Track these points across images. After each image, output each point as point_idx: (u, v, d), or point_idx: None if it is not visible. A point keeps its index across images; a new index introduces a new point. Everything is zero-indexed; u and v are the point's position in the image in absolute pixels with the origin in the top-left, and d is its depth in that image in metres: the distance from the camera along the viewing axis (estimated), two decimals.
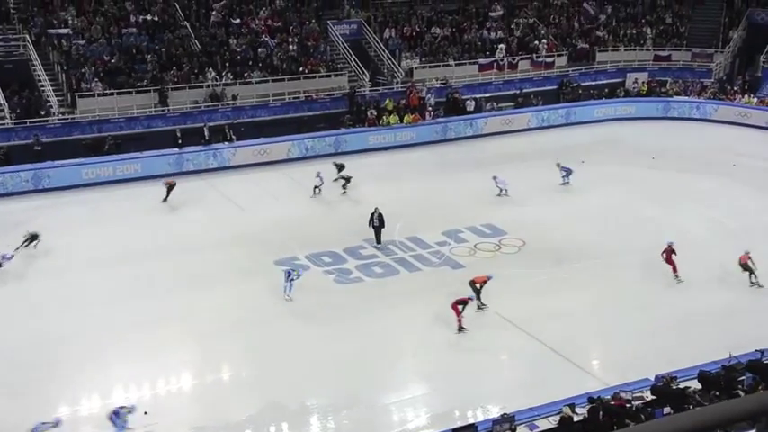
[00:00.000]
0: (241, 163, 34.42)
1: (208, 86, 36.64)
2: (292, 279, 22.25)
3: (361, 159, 35.78)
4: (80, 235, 26.81)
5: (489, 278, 21.94)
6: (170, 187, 29.51)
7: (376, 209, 25.86)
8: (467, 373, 19.02)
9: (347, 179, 30.61)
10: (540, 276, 24.03)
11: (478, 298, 21.62)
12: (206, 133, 34.47)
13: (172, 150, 33.65)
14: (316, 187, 30.10)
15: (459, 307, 20.78)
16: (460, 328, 20.69)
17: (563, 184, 31.62)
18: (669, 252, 23.54)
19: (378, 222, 25.82)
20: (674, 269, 23.50)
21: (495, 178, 30.60)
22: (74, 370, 19.01)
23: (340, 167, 31.11)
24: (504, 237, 26.95)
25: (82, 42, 36.12)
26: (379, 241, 25.96)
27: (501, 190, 30.36)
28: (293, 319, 21.35)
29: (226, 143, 34.77)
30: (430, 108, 39.30)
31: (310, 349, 19.90)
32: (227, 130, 34.95)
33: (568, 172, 31.65)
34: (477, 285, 21.81)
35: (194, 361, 19.86)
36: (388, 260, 25.14)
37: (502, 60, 42.86)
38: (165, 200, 29.33)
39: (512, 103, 42.03)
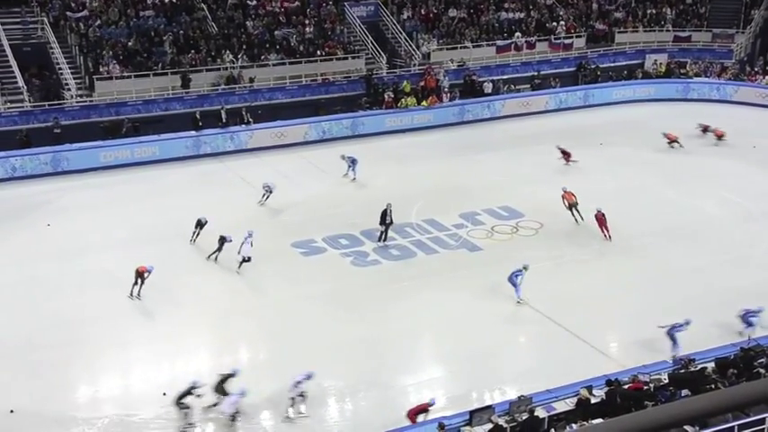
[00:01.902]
0: (258, 146, 34.41)
1: (225, 69, 36.67)
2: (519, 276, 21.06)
3: (379, 142, 35.73)
4: (98, 217, 26.96)
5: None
6: (140, 277, 21.31)
7: (389, 205, 24.95)
8: (484, 354, 19.02)
9: (198, 228, 24.66)
10: (558, 258, 23.94)
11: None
12: (223, 116, 34.50)
13: (189, 133, 33.69)
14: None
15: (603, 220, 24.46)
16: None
17: (349, 177, 29.83)
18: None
19: (390, 219, 24.93)
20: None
21: (264, 185, 27.42)
22: (93, 351, 19.17)
23: (200, 224, 24.70)
24: (522, 219, 26.85)
25: (98, 24, 36.22)
26: (385, 239, 24.89)
27: (265, 193, 27.30)
28: (311, 301, 21.40)
29: (243, 126, 34.80)
30: (446, 90, 39.12)
31: (327, 331, 19.96)
32: (244, 113, 34.97)
33: (353, 162, 29.86)
34: (574, 200, 25.62)
35: (212, 342, 19.98)
36: (405, 243, 25.12)
37: (520, 42, 42.58)
38: (137, 295, 21.28)
39: (528, 86, 41.77)
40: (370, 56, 40.44)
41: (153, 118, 34.57)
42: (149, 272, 21.13)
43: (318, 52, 38.84)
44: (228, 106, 35.26)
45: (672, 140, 33.73)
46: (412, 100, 38.11)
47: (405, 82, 39.00)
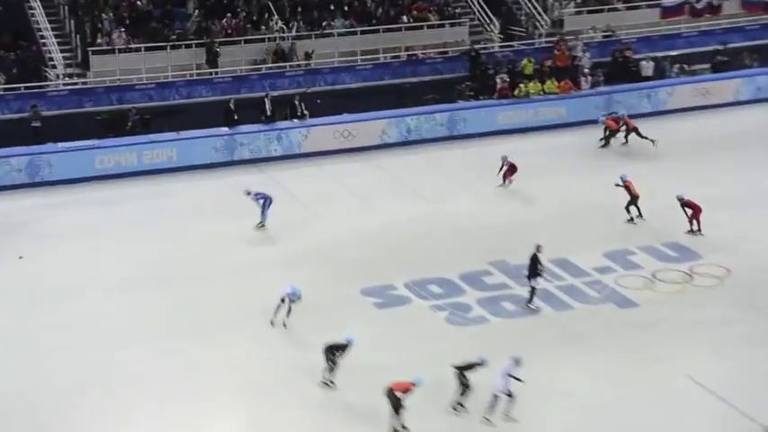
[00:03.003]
0: (316, 149, 34.80)
1: (271, 40, 37.21)
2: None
3: (487, 146, 35.65)
4: (94, 247, 27.47)
5: None
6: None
7: (539, 247, 24.25)
8: None
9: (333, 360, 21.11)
10: (754, 323, 23.42)
11: None
12: (267, 106, 34.98)
13: (220, 130, 34.30)
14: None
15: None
16: None
17: (260, 224, 28.58)
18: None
19: (541, 268, 24.37)
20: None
21: (286, 294, 23.19)
22: (89, 426, 19.51)
23: (333, 351, 21.02)
24: (698, 262, 26.49)
25: None
26: (529, 301, 24.54)
27: (283, 305, 23.56)
28: (388, 372, 21.15)
29: (295, 121, 35.23)
30: (586, 72, 38.90)
31: (413, 417, 19.86)
32: (296, 103, 35.39)
33: (266, 203, 28.51)
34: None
35: (250, 419, 20.11)
36: (524, 292, 24.89)
37: (698, 1, 42.19)
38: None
39: (708, 66, 41.25)
40: (476, 23, 40.54)
41: (170, 108, 35.36)
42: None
43: (403, 17, 39.12)
44: (275, 93, 35.78)
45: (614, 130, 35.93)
46: (535, 86, 37.99)
47: (525, 60, 38.97)
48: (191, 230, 28.65)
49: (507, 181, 31.65)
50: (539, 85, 38.09)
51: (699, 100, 39.71)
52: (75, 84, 35.32)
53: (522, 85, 37.88)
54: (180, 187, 32.08)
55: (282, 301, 23.16)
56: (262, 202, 28.65)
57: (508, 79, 37.91)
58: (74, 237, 28.25)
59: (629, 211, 29.01)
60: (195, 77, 36.30)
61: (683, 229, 28.11)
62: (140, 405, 20.37)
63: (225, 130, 34.38)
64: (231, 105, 34.53)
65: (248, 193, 28.81)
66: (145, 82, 35.54)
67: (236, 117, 34.41)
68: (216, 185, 32.29)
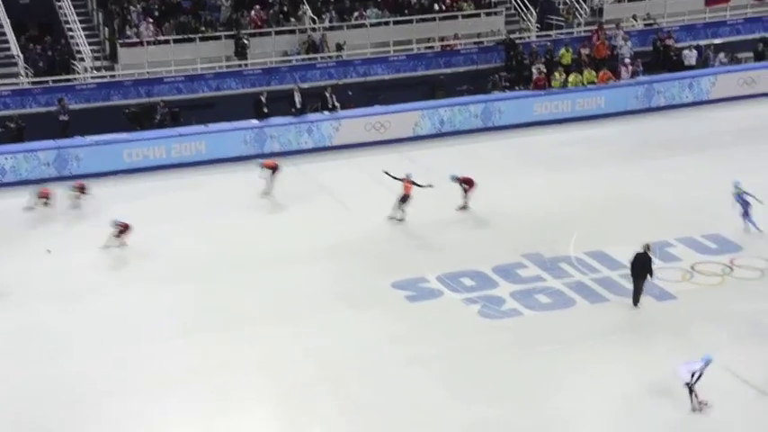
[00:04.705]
0: (347, 142, 35.10)
1: (301, 31, 37.44)
2: None
3: (524, 137, 35.77)
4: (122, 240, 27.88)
5: None
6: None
7: (647, 247, 23.64)
8: None
9: None
10: None
11: None
12: (297, 99, 35.22)
13: (250, 123, 34.65)
14: None
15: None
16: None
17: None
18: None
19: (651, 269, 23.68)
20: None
21: None
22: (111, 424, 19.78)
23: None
24: (739, 254, 26.48)
25: None
26: (636, 301, 24.01)
27: None
28: (419, 367, 21.45)
29: (326, 113, 35.47)
30: (627, 61, 38.87)
31: (440, 411, 19.98)
32: (327, 95, 35.61)
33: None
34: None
35: (279, 421, 20.30)
36: (558, 285, 25.01)
37: None
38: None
39: (751, 54, 41.14)
40: (512, 12, 40.61)
41: (199, 101, 35.71)
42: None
43: (436, 6, 39.22)
44: (305, 85, 36.06)
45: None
46: (574, 77, 37.99)
47: (563, 50, 38.97)
48: (220, 223, 28.98)
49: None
50: (578, 76, 38.06)
51: (743, 89, 39.61)
52: (104, 77, 35.78)
53: (558, 75, 37.81)
54: (209, 180, 32.47)
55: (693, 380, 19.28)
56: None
57: (545, 69, 37.94)
58: (101, 231, 28.60)
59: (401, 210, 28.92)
60: (225, 70, 36.64)
61: (725, 222, 27.99)
62: (166, 401, 20.64)
63: (255, 122, 34.70)
64: (262, 98, 34.84)
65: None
66: (173, 75, 35.96)
67: (266, 110, 34.70)
68: (246, 178, 32.52)
